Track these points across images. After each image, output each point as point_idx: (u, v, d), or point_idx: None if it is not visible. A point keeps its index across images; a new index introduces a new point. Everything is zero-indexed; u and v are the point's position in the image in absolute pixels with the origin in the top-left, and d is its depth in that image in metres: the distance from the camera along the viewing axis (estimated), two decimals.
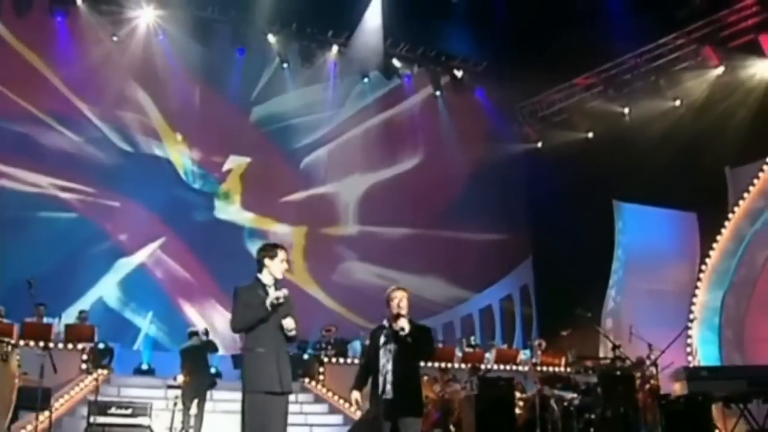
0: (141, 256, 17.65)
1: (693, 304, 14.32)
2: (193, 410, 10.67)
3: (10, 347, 6.63)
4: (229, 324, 6.37)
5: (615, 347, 10.10)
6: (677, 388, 9.83)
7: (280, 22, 18.51)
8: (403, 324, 6.31)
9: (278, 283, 6.33)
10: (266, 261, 6.29)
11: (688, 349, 13.76)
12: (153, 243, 17.81)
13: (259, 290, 6.22)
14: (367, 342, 7.08)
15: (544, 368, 14.39)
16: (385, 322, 6.52)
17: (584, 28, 17.09)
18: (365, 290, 19.27)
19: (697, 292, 14.35)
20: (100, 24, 17.69)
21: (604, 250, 17.39)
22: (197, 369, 11.57)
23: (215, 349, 12.38)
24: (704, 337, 13.73)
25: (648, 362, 13.09)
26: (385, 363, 6.34)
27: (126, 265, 17.45)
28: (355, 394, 6.53)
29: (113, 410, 9.66)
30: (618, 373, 10.14)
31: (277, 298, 6.04)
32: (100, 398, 10.17)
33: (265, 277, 6.29)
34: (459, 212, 20.14)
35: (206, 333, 13.28)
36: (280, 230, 19.08)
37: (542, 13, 17.73)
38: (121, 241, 17.61)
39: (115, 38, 17.80)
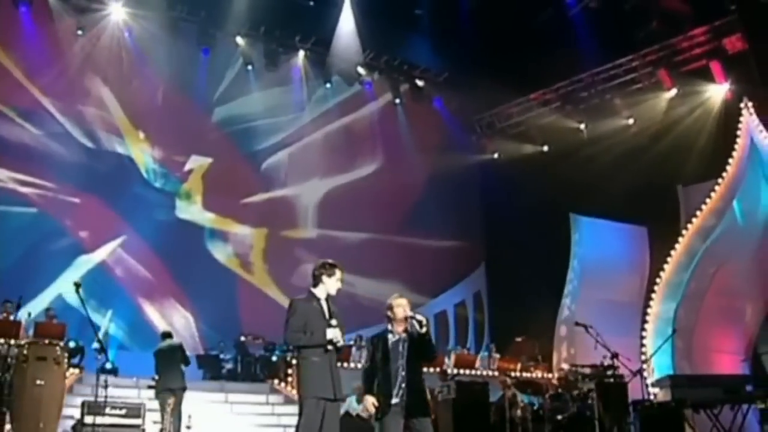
0: (101, 254, 17.48)
1: (647, 314, 15.06)
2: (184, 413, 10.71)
3: (59, 350, 6.71)
4: (285, 335, 6.67)
5: (614, 356, 10.65)
6: (661, 395, 10.48)
7: (248, 24, 18.59)
8: (422, 318, 6.68)
9: (330, 298, 6.67)
10: (324, 278, 6.68)
11: (642, 357, 14.43)
12: (114, 241, 17.67)
13: (314, 303, 6.62)
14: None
15: (520, 374, 14.89)
16: (389, 327, 6.84)
17: (544, 45, 17.77)
18: None
19: (651, 303, 15.09)
20: (66, 17, 17.47)
21: (558, 260, 18.05)
22: (172, 369, 11.52)
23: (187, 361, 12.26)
24: (658, 346, 14.43)
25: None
26: (397, 367, 6.68)
27: (86, 262, 17.24)
28: (371, 398, 6.71)
29: (108, 410, 9.66)
30: (612, 380, 10.74)
31: (335, 341, 6.48)
32: (89, 398, 10.09)
33: (320, 292, 6.62)
34: (415, 219, 20.58)
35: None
36: (240, 231, 19.22)
37: (504, 28, 18.35)
38: (81, 238, 17.42)
39: (80, 32, 17.58)
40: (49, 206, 17.12)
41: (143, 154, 18.53)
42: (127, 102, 18.30)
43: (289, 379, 14.77)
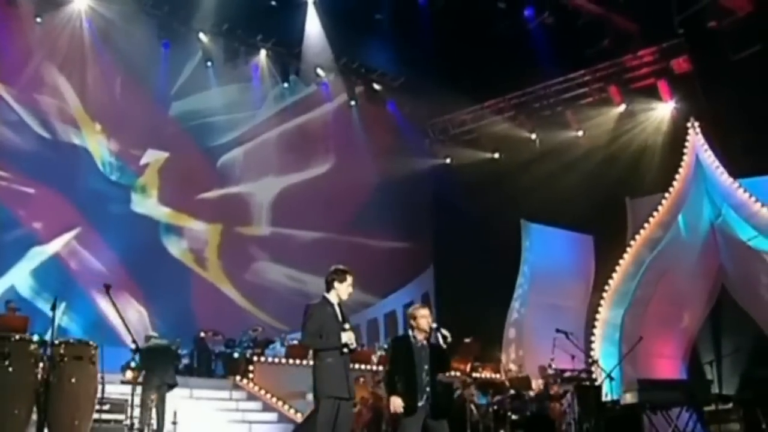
0: (55, 246, 17.31)
1: (596, 320, 15.80)
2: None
3: (93, 349, 6.84)
4: (302, 339, 7.08)
5: (593, 362, 11.29)
6: (628, 397, 11.18)
7: (212, 20, 18.60)
8: (447, 333, 7.26)
9: (342, 303, 7.09)
10: (335, 283, 7.07)
11: (590, 360, 15.13)
12: (68, 233, 17.51)
13: (328, 308, 7.02)
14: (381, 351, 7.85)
15: (479, 375, 15.41)
16: (411, 333, 7.35)
17: (500, 55, 18.33)
18: (276, 290, 19.80)
19: (600, 309, 15.83)
20: (25, 3, 17.18)
21: (506, 264, 18.65)
22: (164, 367, 11.57)
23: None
24: (606, 350, 15.20)
25: (550, 371, 14.60)
26: (422, 372, 7.15)
27: (40, 254, 17.06)
28: (398, 400, 7.12)
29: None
30: (588, 383, 11.39)
31: (349, 344, 6.88)
32: None
33: (332, 297, 6.98)
34: (367, 219, 20.86)
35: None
36: (195, 227, 19.27)
37: (462, 37, 18.84)
38: (35, 229, 17.20)
39: (38, 19, 17.33)
40: (2, 196, 16.85)
41: (99, 146, 18.39)
42: (85, 93, 18.13)
43: (251, 375, 14.93)
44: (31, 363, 6.17)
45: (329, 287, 7.11)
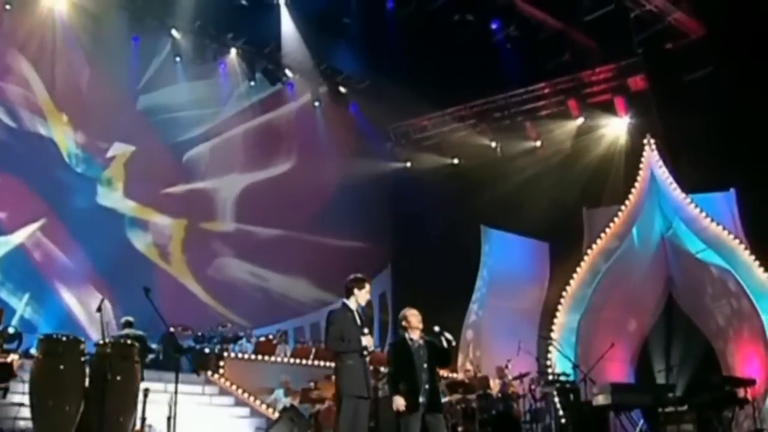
0: (20, 237, 17.19)
1: (554, 324, 16.53)
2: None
3: (136, 350, 7.10)
4: (326, 342, 7.61)
5: (575, 366, 11.95)
6: (600, 399, 11.91)
7: (183, 17, 18.70)
8: (450, 337, 7.99)
9: (360, 309, 7.55)
10: (355, 290, 7.59)
11: (548, 362, 15.86)
12: (33, 224, 17.39)
13: (348, 313, 7.58)
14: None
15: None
16: (407, 335, 7.91)
17: (463, 64, 18.89)
18: (238, 286, 20.04)
19: (558, 314, 16.57)
20: None
21: (465, 267, 19.26)
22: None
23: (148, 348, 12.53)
24: (563, 353, 15.94)
25: (507, 372, 15.31)
26: (422, 370, 7.70)
27: (4, 244, 16.92)
28: (401, 399, 7.60)
29: None
30: (568, 386, 12.08)
31: (369, 348, 7.49)
32: None
33: (352, 303, 7.49)
34: (327, 218, 21.22)
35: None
36: (161, 221, 19.35)
37: (427, 44, 19.35)
38: None
39: (8, 7, 17.19)
40: None
41: (66, 137, 18.31)
42: (52, 83, 18.04)
43: (221, 371, 15.17)
44: (80, 362, 6.44)
45: (349, 294, 7.61)
